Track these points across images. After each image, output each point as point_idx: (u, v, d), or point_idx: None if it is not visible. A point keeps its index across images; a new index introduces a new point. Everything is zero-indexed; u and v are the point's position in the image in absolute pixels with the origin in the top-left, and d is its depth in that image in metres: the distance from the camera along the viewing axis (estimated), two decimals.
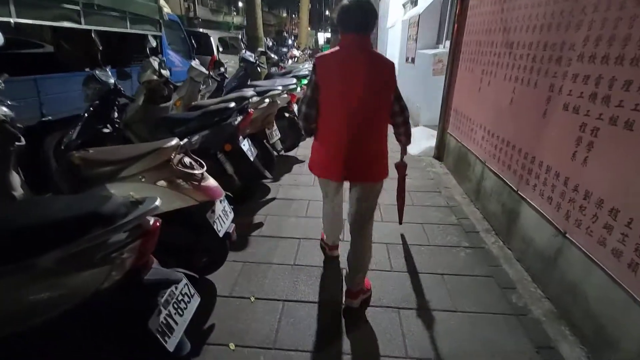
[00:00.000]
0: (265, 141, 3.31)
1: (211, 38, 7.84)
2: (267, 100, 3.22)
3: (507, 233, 2.55)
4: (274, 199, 3.27)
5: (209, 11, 32.09)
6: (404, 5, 9.97)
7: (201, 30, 8.27)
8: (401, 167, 2.19)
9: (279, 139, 3.50)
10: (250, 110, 2.84)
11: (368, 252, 1.91)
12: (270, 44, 15.42)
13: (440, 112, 4.22)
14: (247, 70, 5.51)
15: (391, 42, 10.66)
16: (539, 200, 2.15)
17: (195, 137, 2.62)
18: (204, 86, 4.76)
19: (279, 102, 3.36)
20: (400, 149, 2.08)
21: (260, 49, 5.97)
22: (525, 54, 2.39)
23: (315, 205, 3.11)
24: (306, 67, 6.53)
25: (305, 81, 5.20)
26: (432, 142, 4.55)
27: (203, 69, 4.24)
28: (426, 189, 3.53)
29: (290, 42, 15.39)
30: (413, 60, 6.26)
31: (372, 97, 1.64)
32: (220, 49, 7.93)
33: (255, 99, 3.16)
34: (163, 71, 3.13)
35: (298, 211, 3.04)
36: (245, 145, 2.82)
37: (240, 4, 39.58)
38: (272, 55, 7.86)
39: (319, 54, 1.72)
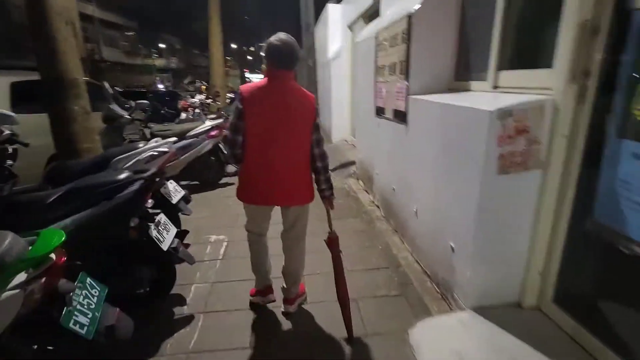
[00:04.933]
0: None
1: None
2: None
3: None
4: None
5: (121, 53, 27.72)
6: (350, 27, 6.81)
7: None
8: (332, 240, 1.87)
9: None
10: None
11: (302, 263, 2.09)
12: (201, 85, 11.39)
13: None
14: None
15: (335, 78, 7.36)
16: None
17: None
18: None
19: None
20: (325, 212, 1.95)
21: (2, 111, 2.11)
22: None
23: None
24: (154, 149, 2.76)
25: None
26: None
27: None
28: None
29: (197, 83, 11.47)
30: (402, 116, 2.78)
31: (297, 126, 1.78)
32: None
33: None
34: None
35: None
36: None
37: (162, 45, 35.59)
38: (118, 112, 3.99)
39: (244, 85, 1.78)
